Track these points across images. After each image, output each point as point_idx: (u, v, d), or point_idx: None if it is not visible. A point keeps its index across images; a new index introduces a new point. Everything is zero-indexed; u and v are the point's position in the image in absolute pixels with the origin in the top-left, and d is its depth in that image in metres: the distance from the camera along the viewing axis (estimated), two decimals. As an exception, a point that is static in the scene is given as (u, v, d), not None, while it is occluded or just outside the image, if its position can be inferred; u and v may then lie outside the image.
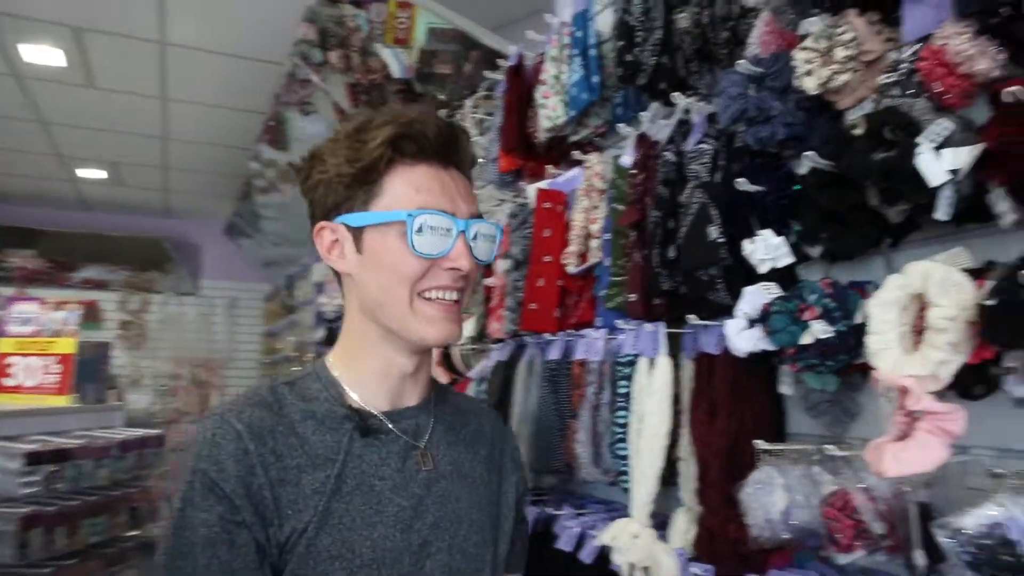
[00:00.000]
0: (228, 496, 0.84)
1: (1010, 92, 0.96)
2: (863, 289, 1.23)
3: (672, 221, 1.59)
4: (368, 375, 0.97)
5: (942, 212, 1.06)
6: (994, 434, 1.13)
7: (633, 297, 1.71)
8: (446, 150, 0.95)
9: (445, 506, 0.96)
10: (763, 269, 1.33)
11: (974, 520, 0.97)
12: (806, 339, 1.18)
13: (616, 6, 1.87)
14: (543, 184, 2.23)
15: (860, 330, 1.14)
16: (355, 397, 0.97)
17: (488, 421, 1.13)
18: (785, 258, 1.31)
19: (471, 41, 2.98)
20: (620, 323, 1.81)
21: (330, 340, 4.28)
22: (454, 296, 0.94)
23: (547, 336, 2.14)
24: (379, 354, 0.97)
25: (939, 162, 1.02)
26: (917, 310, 1.08)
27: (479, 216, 0.97)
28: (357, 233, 0.93)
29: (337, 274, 1.01)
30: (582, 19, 2.00)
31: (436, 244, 0.91)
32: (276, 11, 3.42)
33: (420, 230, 0.89)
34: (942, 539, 1.00)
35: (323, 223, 0.96)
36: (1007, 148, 0.96)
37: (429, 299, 0.93)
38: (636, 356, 1.74)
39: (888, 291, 1.08)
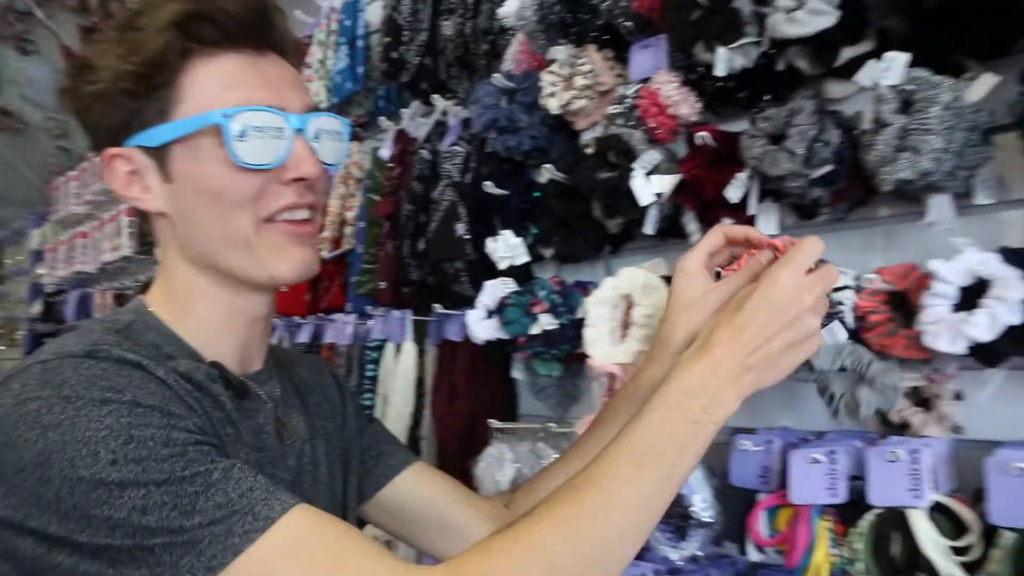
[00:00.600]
0: (186, 417, 0.62)
1: (700, 136, 1.17)
2: (585, 288, 1.41)
3: (424, 215, 1.69)
4: (210, 330, 0.74)
5: (649, 227, 1.27)
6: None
7: (383, 285, 1.80)
8: (258, 31, 0.72)
9: (311, 474, 0.81)
10: (503, 266, 1.47)
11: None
12: (535, 330, 1.34)
13: (386, 2, 1.93)
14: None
15: (580, 323, 1.32)
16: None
17: (303, 365, 0.93)
18: (522, 257, 1.46)
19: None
20: (370, 309, 1.89)
21: (48, 315, 3.85)
22: (304, 214, 0.73)
23: (297, 319, 2.15)
24: (219, 302, 0.75)
25: (648, 186, 1.22)
26: (625, 308, 1.27)
27: (317, 109, 0.75)
28: (160, 156, 0.70)
29: (142, 215, 0.78)
30: (352, 9, 2.03)
31: (267, 150, 0.69)
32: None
33: (242, 134, 0.67)
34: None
35: (112, 151, 0.72)
36: (696, 180, 1.18)
37: (276, 222, 0.72)
38: (384, 341, 1.82)
39: (603, 291, 1.26)
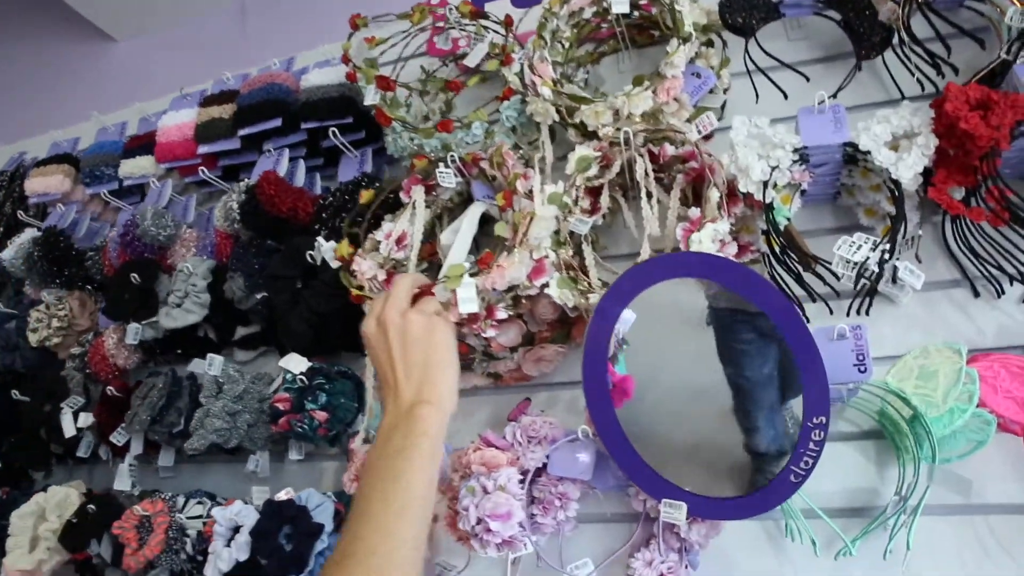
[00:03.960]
0: None
1: (109, 389, 1.50)
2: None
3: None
4: None
5: (81, 452, 1.56)
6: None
7: None
8: None
9: None
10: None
11: None
12: (-34, 536, 1.54)
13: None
14: None
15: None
16: None
17: None
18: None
19: None
20: None
21: None
22: None
23: None
24: None
25: (74, 422, 1.52)
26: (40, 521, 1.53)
27: None
28: None
29: None
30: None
31: None
32: None
33: None
34: None
35: None
36: (103, 422, 1.50)
37: None
38: None
39: (28, 506, 1.51)
